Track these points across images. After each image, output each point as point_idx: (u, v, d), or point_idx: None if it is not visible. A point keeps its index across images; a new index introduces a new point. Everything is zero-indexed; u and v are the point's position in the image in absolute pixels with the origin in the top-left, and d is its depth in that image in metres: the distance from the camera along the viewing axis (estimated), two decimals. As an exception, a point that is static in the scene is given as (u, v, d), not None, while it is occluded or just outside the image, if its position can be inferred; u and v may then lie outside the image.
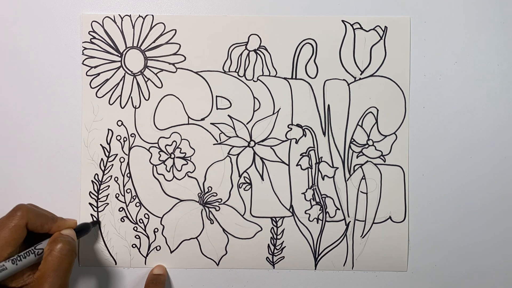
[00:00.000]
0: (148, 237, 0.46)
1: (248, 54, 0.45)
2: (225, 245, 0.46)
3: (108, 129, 0.45)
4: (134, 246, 0.46)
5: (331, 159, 0.46)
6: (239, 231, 0.46)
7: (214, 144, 0.46)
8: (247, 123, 0.46)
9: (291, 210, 0.46)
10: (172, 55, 0.45)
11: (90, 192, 0.46)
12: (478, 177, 0.46)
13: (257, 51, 0.45)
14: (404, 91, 0.45)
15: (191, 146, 0.46)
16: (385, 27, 0.45)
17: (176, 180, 0.46)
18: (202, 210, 0.46)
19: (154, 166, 0.46)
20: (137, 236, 0.46)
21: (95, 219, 0.45)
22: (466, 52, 0.45)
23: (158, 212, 0.46)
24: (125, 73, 0.45)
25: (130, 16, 0.45)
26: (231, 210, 0.46)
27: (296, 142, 0.46)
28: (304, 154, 0.46)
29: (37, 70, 0.45)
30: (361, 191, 0.46)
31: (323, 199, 0.46)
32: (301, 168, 0.46)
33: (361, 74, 0.45)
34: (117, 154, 0.46)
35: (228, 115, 0.45)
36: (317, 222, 0.46)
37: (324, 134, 0.46)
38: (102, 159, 0.45)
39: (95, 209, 0.46)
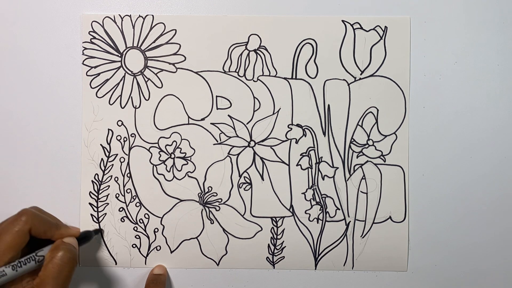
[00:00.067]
0: (148, 237, 0.46)
1: (248, 54, 0.45)
2: (225, 245, 0.46)
3: (108, 129, 0.45)
4: (134, 246, 0.46)
5: (331, 159, 0.46)
6: (239, 231, 0.46)
7: (214, 144, 0.46)
8: (247, 123, 0.46)
9: (291, 210, 0.46)
10: (172, 55, 0.45)
11: (90, 192, 0.46)
12: (478, 177, 0.46)
13: (257, 51, 0.45)
14: (404, 91, 0.45)
15: (191, 146, 0.46)
16: (385, 27, 0.45)
17: (176, 180, 0.46)
18: (202, 210, 0.46)
19: (154, 166, 0.46)
20: (137, 236, 0.46)
21: (97, 227, 0.45)
22: (466, 52, 0.45)
23: (158, 212, 0.46)
24: (125, 73, 0.45)
25: (130, 16, 0.45)
26: (231, 210, 0.46)
27: (296, 142, 0.46)
28: (304, 154, 0.46)
29: (37, 70, 0.45)
30: (361, 191, 0.46)
31: (323, 199, 0.46)
32: (301, 168, 0.46)
33: (361, 74, 0.45)
34: (117, 154, 0.46)
35: (228, 115, 0.45)
36: (317, 222, 0.46)
37: (324, 134, 0.46)
38: (102, 159, 0.45)
39: (95, 209, 0.46)
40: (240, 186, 0.46)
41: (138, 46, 0.45)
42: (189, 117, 0.45)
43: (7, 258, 0.36)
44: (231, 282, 0.46)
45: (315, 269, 0.46)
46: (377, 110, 0.45)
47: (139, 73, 0.45)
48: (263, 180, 0.46)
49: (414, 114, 0.46)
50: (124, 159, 0.46)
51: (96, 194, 0.46)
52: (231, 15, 0.45)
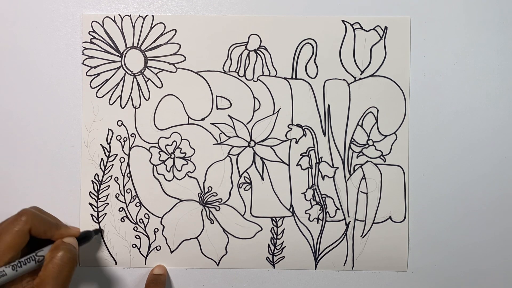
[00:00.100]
0: (148, 237, 0.46)
1: (248, 54, 0.45)
2: (225, 245, 0.46)
3: (108, 129, 0.45)
4: (134, 246, 0.46)
5: (331, 159, 0.46)
6: (239, 231, 0.46)
7: (214, 144, 0.46)
8: (247, 123, 0.46)
9: (291, 210, 0.46)
10: (172, 55, 0.45)
11: (90, 192, 0.46)
12: (478, 177, 0.46)
13: (257, 51, 0.45)
14: (404, 91, 0.45)
15: (191, 146, 0.46)
16: (385, 27, 0.45)
17: (176, 180, 0.46)
18: (202, 210, 0.46)
19: (154, 166, 0.46)
20: (137, 236, 0.46)
21: (97, 227, 0.45)
22: (466, 52, 0.45)
23: (158, 212, 0.46)
24: (125, 73, 0.45)
25: (130, 16, 0.45)
26: (231, 210, 0.46)
27: (296, 142, 0.46)
28: (304, 154, 0.46)
29: (37, 70, 0.45)
30: (361, 191, 0.46)
31: (323, 199, 0.46)
32: (301, 168, 0.46)
33: (361, 74, 0.45)
34: (117, 154, 0.46)
35: (228, 115, 0.45)
36: (317, 222, 0.46)
37: (324, 134, 0.46)
38: (102, 159, 0.45)
39: (95, 209, 0.46)
40: (240, 186, 0.46)
41: (138, 46, 0.45)
42: (189, 117, 0.45)
43: (7, 258, 0.36)
44: (231, 282, 0.46)
45: (315, 269, 0.46)
46: (377, 110, 0.45)
47: (139, 73, 0.45)
48: (263, 180, 0.46)
49: (414, 114, 0.46)
50: (124, 159, 0.46)
51: (96, 194, 0.46)
52: (231, 15, 0.45)
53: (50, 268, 0.36)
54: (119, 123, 0.45)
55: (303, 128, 0.46)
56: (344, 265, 0.46)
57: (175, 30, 0.45)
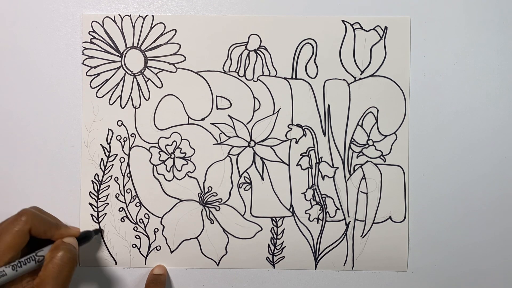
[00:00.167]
0: (148, 237, 0.46)
1: (248, 54, 0.45)
2: (225, 245, 0.46)
3: (108, 129, 0.45)
4: (134, 246, 0.46)
5: (331, 159, 0.46)
6: (239, 231, 0.46)
7: (214, 144, 0.46)
8: (247, 123, 0.46)
9: (291, 210, 0.46)
10: (172, 55, 0.45)
11: (90, 192, 0.46)
12: (478, 177, 0.46)
13: (257, 51, 0.45)
14: (404, 91, 0.45)
15: (191, 146, 0.46)
16: (385, 27, 0.45)
17: (176, 180, 0.46)
18: (202, 210, 0.46)
19: (154, 166, 0.46)
20: (137, 236, 0.46)
21: (97, 227, 0.45)
22: (466, 52, 0.45)
23: (158, 212, 0.46)
24: (125, 73, 0.45)
25: (130, 16, 0.45)
26: (231, 210, 0.46)
27: (296, 142, 0.46)
28: (304, 154, 0.46)
29: (37, 70, 0.45)
30: (361, 191, 0.46)
31: (323, 199, 0.46)
32: (301, 168, 0.46)
33: (361, 74, 0.45)
34: (117, 154, 0.46)
35: (228, 115, 0.45)
36: (317, 222, 0.46)
37: (324, 134, 0.46)
38: (102, 159, 0.45)
39: (95, 209, 0.46)
40: (240, 186, 0.46)
41: (138, 46, 0.45)
42: (189, 117, 0.45)
43: (7, 258, 0.36)
44: (231, 282, 0.46)
45: (315, 269, 0.46)
46: (377, 110, 0.45)
47: (139, 73, 0.45)
48: (263, 180, 0.46)
49: (414, 114, 0.46)
50: (124, 159, 0.46)
51: (96, 194, 0.46)
52: (231, 15, 0.45)
53: (50, 268, 0.36)
54: (119, 123, 0.45)
55: (303, 128, 0.46)
56: (344, 265, 0.46)
57: (175, 30, 0.45)
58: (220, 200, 0.46)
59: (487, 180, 0.46)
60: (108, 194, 0.46)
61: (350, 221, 0.46)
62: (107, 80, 0.45)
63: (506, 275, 0.46)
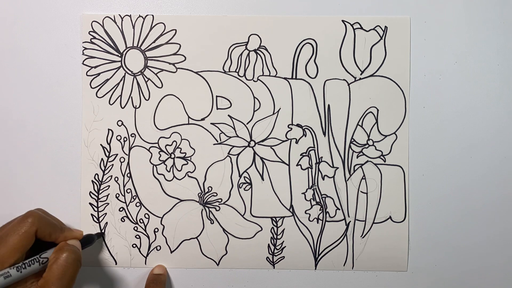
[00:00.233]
0: (148, 237, 0.46)
1: (248, 54, 0.45)
2: (225, 245, 0.46)
3: (108, 129, 0.45)
4: (134, 246, 0.46)
5: (331, 159, 0.46)
6: (239, 231, 0.46)
7: (214, 144, 0.46)
8: (247, 123, 0.46)
9: (291, 210, 0.46)
10: (172, 55, 0.45)
11: (90, 192, 0.46)
12: (478, 177, 0.46)
13: (257, 51, 0.45)
14: (404, 91, 0.45)
15: (191, 146, 0.46)
16: (385, 27, 0.45)
17: (176, 180, 0.46)
18: (202, 210, 0.46)
19: (154, 166, 0.46)
20: (137, 236, 0.46)
21: (99, 231, 0.45)
22: (466, 52, 0.45)
23: (158, 212, 0.46)
24: (125, 73, 0.45)
25: (130, 16, 0.45)
26: (231, 210, 0.46)
27: (296, 142, 0.46)
28: (304, 154, 0.46)
29: (37, 70, 0.45)
30: (361, 191, 0.46)
31: (323, 199, 0.46)
32: (301, 168, 0.46)
33: (361, 74, 0.45)
34: (117, 154, 0.46)
35: (228, 115, 0.45)
36: (317, 222, 0.46)
37: (324, 134, 0.46)
38: (102, 159, 0.45)
39: (95, 209, 0.46)
40: (240, 186, 0.46)
41: (138, 46, 0.45)
42: (189, 117, 0.45)
43: (13, 259, 0.36)
44: (231, 282, 0.46)
45: (315, 269, 0.46)
46: (377, 110, 0.45)
47: (139, 73, 0.45)
48: (263, 180, 0.46)
49: (414, 114, 0.46)
50: (124, 159, 0.46)
51: (96, 194, 0.46)
52: (231, 15, 0.45)
53: (54, 269, 0.37)
54: (119, 123, 0.45)
55: (303, 128, 0.46)
56: (344, 265, 0.46)
57: (175, 30, 0.45)
58: (220, 200, 0.46)
59: (487, 180, 0.46)
60: (108, 194, 0.46)
61: (350, 221, 0.46)
62: (107, 80, 0.45)
63: (506, 275, 0.46)
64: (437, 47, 0.45)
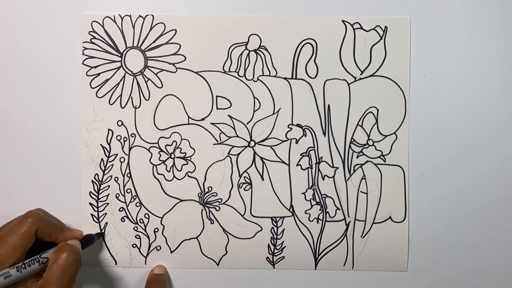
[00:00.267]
0: (148, 237, 0.46)
1: (248, 54, 0.45)
2: (225, 245, 0.46)
3: (108, 129, 0.45)
4: (134, 246, 0.46)
5: (331, 159, 0.46)
6: (239, 231, 0.46)
7: (214, 144, 0.46)
8: (247, 123, 0.46)
9: (291, 210, 0.46)
10: (172, 55, 0.45)
11: (90, 192, 0.46)
12: (478, 177, 0.46)
13: (257, 51, 0.45)
14: (404, 91, 0.45)
15: (191, 146, 0.46)
16: (385, 27, 0.45)
17: (176, 180, 0.46)
18: (202, 210, 0.46)
19: (154, 166, 0.46)
20: (137, 236, 0.46)
21: (99, 231, 0.45)
22: (466, 52, 0.45)
23: (158, 212, 0.46)
24: (125, 73, 0.45)
25: (130, 16, 0.45)
26: (231, 210, 0.46)
27: (296, 142, 0.46)
28: (304, 154, 0.46)
29: (37, 70, 0.45)
30: (361, 191, 0.46)
31: (323, 199, 0.46)
32: (301, 168, 0.46)
33: (361, 74, 0.45)
34: (117, 154, 0.46)
35: (228, 115, 0.45)
36: (317, 222, 0.46)
37: (324, 134, 0.46)
38: (102, 159, 0.45)
39: (95, 209, 0.46)
40: (240, 186, 0.46)
41: (138, 46, 0.45)
42: (189, 117, 0.45)
43: (13, 259, 0.36)
44: (231, 282, 0.46)
45: (315, 269, 0.46)
46: (377, 110, 0.45)
47: (139, 73, 0.45)
48: (263, 180, 0.46)
49: (414, 114, 0.46)
50: (124, 159, 0.46)
51: (96, 194, 0.46)
52: (231, 15, 0.45)
53: (54, 269, 0.37)
54: (119, 123, 0.45)
55: (303, 128, 0.46)
56: (344, 265, 0.46)
57: (175, 30, 0.45)
58: (220, 200, 0.46)
59: (487, 180, 0.46)
60: (108, 194, 0.46)
61: (350, 221, 0.46)
62: (107, 80, 0.45)
63: (506, 275, 0.46)
64: (437, 47, 0.45)
